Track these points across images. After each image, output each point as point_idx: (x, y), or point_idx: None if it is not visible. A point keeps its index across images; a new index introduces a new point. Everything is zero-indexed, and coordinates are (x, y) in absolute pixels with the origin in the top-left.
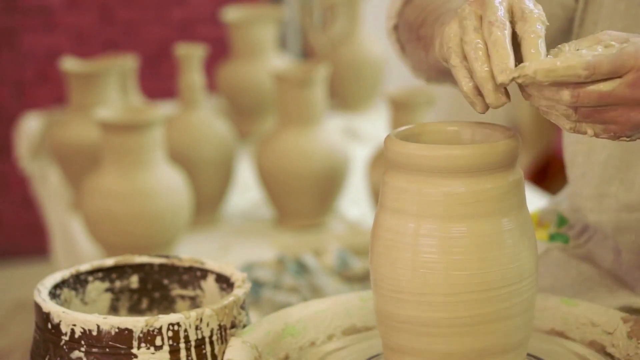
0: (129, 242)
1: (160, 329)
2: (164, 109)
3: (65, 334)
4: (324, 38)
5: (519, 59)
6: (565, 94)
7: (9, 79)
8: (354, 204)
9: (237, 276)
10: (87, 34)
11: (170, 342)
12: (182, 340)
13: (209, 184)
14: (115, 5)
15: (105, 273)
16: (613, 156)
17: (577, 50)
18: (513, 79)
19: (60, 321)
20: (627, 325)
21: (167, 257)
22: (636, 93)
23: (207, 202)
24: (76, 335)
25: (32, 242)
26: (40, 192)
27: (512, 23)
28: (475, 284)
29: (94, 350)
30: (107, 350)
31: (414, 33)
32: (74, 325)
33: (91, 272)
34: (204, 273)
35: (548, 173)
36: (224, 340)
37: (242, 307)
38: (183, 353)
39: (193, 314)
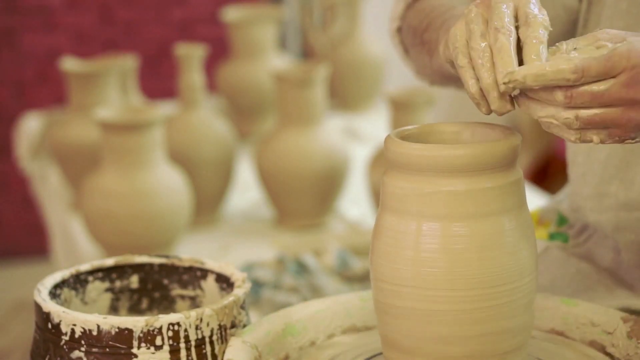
0: (129, 242)
1: (160, 328)
2: (164, 109)
3: (66, 334)
4: (324, 38)
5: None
6: (559, 95)
7: (9, 79)
8: (354, 204)
9: (237, 276)
10: (87, 34)
11: (171, 342)
12: (182, 340)
13: (209, 184)
14: (115, 5)
15: (105, 273)
16: (613, 155)
17: (575, 49)
18: (504, 84)
19: (60, 321)
20: (627, 325)
21: (167, 257)
22: (632, 93)
23: (207, 202)
24: (76, 335)
25: (32, 242)
26: (40, 192)
27: (516, 27)
28: (476, 283)
29: (94, 350)
30: (107, 350)
31: (417, 37)
32: (74, 325)
33: (91, 272)
34: (204, 273)
35: (548, 173)
36: (224, 340)
37: (242, 307)
38: (183, 353)
39: (193, 313)
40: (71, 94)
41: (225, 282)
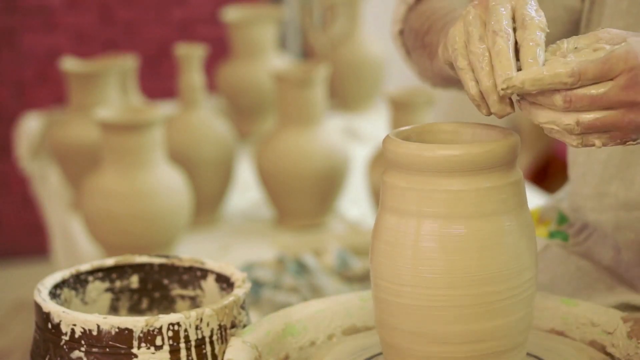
0: (129, 242)
1: (160, 328)
2: (164, 109)
3: (66, 334)
4: (324, 38)
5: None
6: (558, 99)
7: (9, 79)
8: (354, 204)
9: (237, 276)
10: (87, 34)
11: (171, 342)
12: (182, 340)
13: (209, 184)
14: (115, 5)
15: (105, 273)
16: (614, 155)
17: (575, 48)
18: (502, 90)
19: (60, 321)
20: (627, 325)
21: (167, 257)
22: (631, 95)
23: (207, 202)
24: (76, 335)
25: (32, 242)
26: (40, 192)
27: (514, 29)
28: (475, 282)
29: (94, 350)
30: (107, 350)
31: (419, 40)
32: (74, 325)
33: (91, 272)
34: (204, 273)
35: (548, 173)
36: (224, 340)
37: (242, 307)
38: (183, 353)
39: (193, 313)
40: (71, 94)
41: (225, 282)
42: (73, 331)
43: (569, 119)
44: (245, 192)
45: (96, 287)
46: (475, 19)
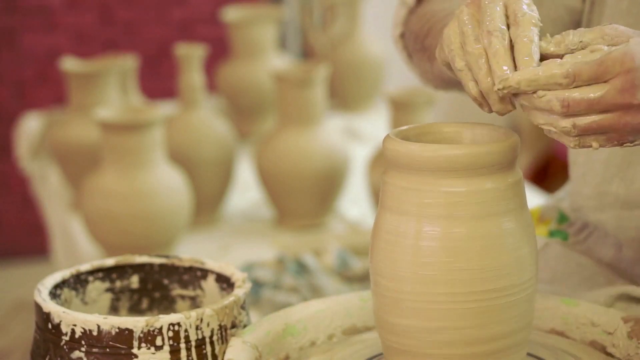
0: (129, 242)
1: (160, 329)
2: (164, 109)
3: (66, 334)
4: (324, 38)
5: None
6: (556, 105)
7: (9, 79)
8: (354, 204)
9: (237, 276)
10: (87, 34)
11: (171, 342)
12: (182, 340)
13: (209, 184)
14: (115, 5)
15: (105, 273)
16: (615, 155)
17: (580, 42)
18: (499, 90)
19: (60, 321)
20: (627, 326)
21: (167, 257)
22: (626, 98)
23: (207, 202)
24: (76, 336)
25: (32, 242)
26: (40, 192)
27: (508, 26)
28: (476, 284)
29: (95, 350)
30: (108, 350)
31: (419, 43)
32: (74, 325)
33: (91, 272)
34: (204, 273)
35: (548, 173)
36: (224, 340)
37: (243, 307)
38: (183, 353)
39: (193, 314)
40: (71, 94)
41: (225, 282)
42: (73, 331)
43: (566, 122)
44: (245, 192)
45: (96, 287)
46: (469, 18)
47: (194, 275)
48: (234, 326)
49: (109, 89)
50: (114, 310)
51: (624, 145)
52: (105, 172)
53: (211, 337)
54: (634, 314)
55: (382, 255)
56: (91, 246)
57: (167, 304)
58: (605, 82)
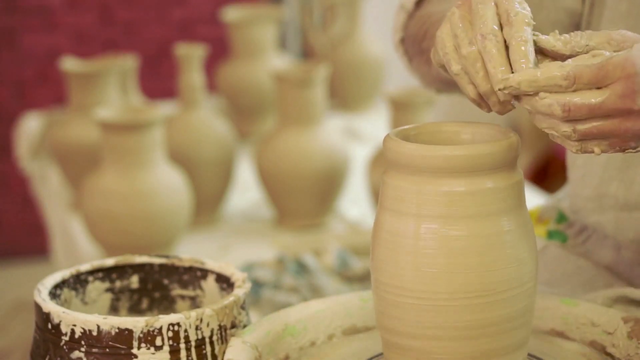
0: (129, 242)
1: (160, 329)
2: (164, 109)
3: (66, 334)
4: (324, 38)
5: None
6: (557, 109)
7: (9, 79)
8: (354, 204)
9: (237, 276)
10: (87, 34)
11: (171, 342)
12: (182, 340)
13: (209, 184)
14: (115, 5)
15: (105, 273)
16: (614, 156)
17: (587, 45)
18: (500, 90)
19: (60, 321)
20: (627, 326)
21: (167, 257)
22: (627, 103)
23: (207, 202)
24: (76, 336)
25: (32, 242)
26: (40, 192)
27: (500, 26)
28: (475, 284)
29: (94, 350)
30: (107, 350)
31: (417, 46)
32: (74, 325)
33: (91, 272)
34: (204, 273)
35: (548, 173)
36: (224, 340)
37: (243, 307)
38: (183, 353)
39: (193, 314)
40: (71, 94)
41: (225, 282)
42: (73, 331)
43: (567, 127)
44: (245, 192)
45: (96, 287)
46: (461, 20)
47: (193, 275)
48: (233, 326)
49: (109, 89)
50: (113, 310)
51: (627, 151)
52: (105, 172)
53: (211, 337)
54: (633, 314)
55: (383, 255)
56: (91, 246)
57: (167, 304)
58: (605, 87)
